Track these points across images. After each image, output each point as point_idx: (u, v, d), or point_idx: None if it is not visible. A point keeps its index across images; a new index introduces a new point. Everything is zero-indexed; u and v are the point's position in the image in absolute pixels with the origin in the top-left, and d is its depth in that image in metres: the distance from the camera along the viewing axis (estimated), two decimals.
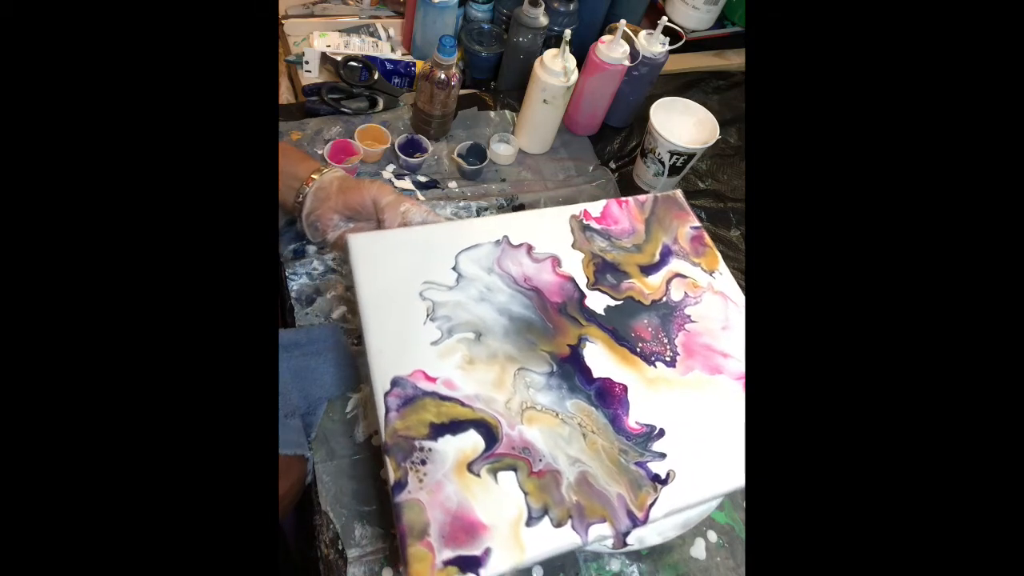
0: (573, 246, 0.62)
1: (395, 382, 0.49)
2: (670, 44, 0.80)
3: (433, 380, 0.50)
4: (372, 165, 0.75)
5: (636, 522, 0.46)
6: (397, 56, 0.86)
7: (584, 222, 0.64)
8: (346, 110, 0.79)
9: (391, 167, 0.76)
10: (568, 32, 0.71)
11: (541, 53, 0.75)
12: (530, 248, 0.60)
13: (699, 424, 0.52)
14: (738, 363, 0.56)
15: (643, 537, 0.49)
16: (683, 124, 0.80)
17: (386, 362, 0.50)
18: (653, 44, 0.80)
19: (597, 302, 0.58)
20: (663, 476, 0.48)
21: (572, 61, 0.74)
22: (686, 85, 0.98)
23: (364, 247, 0.55)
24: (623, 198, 0.67)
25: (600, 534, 0.45)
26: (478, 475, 0.46)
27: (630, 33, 0.77)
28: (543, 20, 0.80)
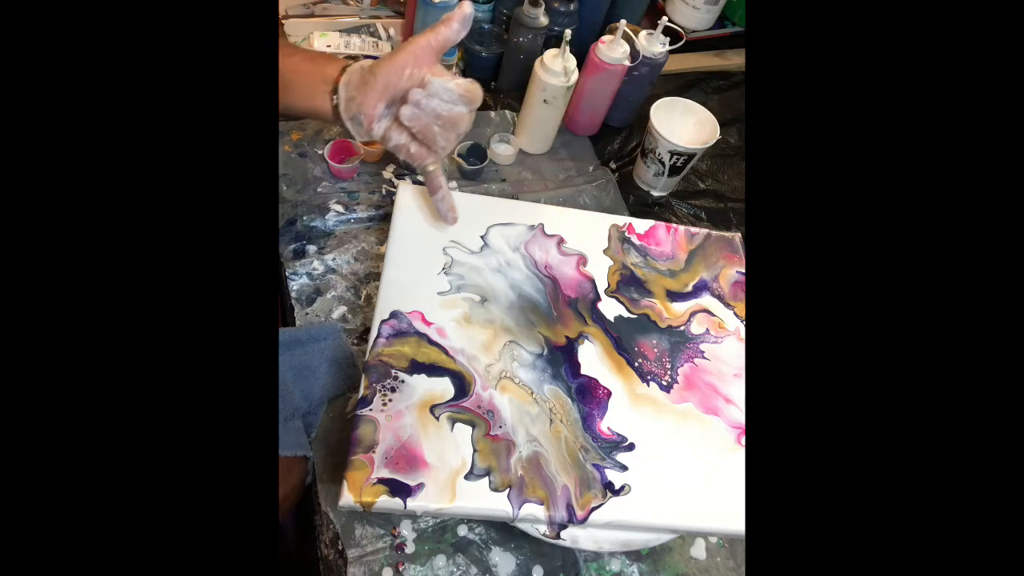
0: (605, 252, 0.62)
1: (394, 314, 0.53)
2: (670, 44, 0.80)
3: (429, 324, 0.53)
4: (372, 165, 0.75)
5: (573, 518, 0.46)
6: None
7: (625, 234, 0.64)
8: None
9: (391, 167, 0.76)
10: (568, 32, 0.71)
11: (541, 53, 0.75)
12: (562, 241, 0.61)
13: (674, 453, 0.51)
14: (739, 412, 0.55)
15: (577, 538, 0.48)
16: (683, 124, 0.80)
17: (393, 294, 0.54)
18: (653, 44, 0.80)
19: (610, 308, 0.58)
20: (617, 486, 0.48)
21: (572, 61, 0.74)
22: (686, 85, 0.98)
23: (409, 196, 0.61)
24: (674, 224, 0.66)
25: (533, 514, 0.46)
26: (437, 419, 0.48)
27: (630, 33, 0.77)
28: (543, 20, 0.80)
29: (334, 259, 0.66)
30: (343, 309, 0.63)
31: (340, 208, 0.70)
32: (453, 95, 0.48)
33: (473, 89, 0.49)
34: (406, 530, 0.52)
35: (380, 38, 0.89)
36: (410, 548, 0.52)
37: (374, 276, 0.65)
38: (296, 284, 0.64)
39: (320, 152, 0.74)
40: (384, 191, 0.73)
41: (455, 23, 0.48)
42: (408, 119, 0.49)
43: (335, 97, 0.51)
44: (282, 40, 0.57)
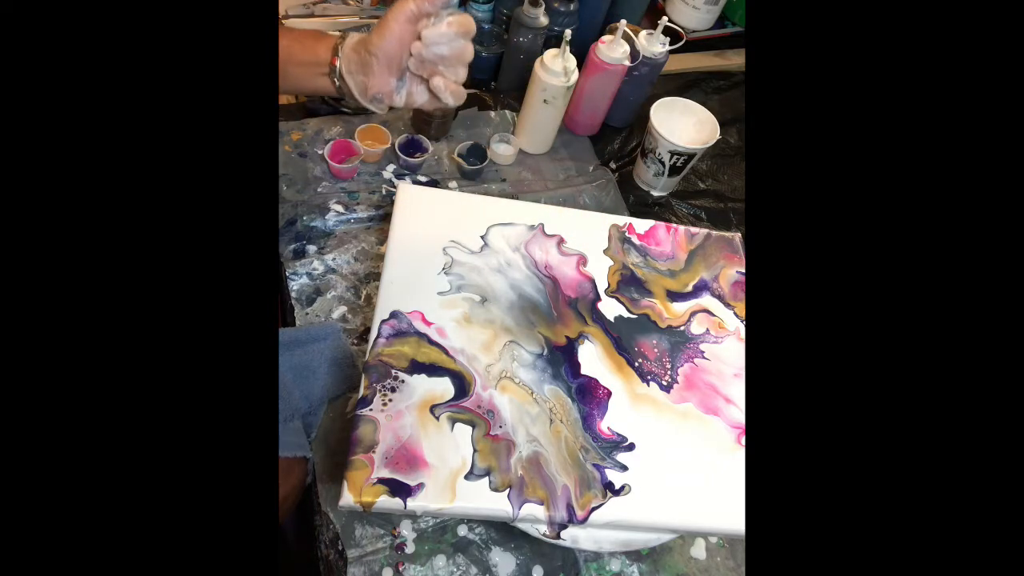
0: (605, 252, 0.62)
1: (394, 314, 0.53)
2: (670, 44, 0.80)
3: (429, 324, 0.53)
4: (372, 165, 0.75)
5: (573, 518, 0.46)
6: None
7: (625, 234, 0.64)
8: (346, 110, 0.79)
9: (391, 167, 0.76)
10: (568, 32, 0.71)
11: (541, 53, 0.75)
12: (562, 241, 0.61)
13: (674, 453, 0.51)
14: (739, 412, 0.55)
15: (577, 538, 0.48)
16: (683, 124, 0.80)
17: (393, 294, 0.54)
18: (653, 44, 0.80)
19: (610, 309, 0.58)
20: (617, 486, 0.48)
21: (572, 61, 0.74)
22: (686, 85, 0.98)
23: (409, 196, 0.62)
24: (674, 224, 0.66)
25: (533, 514, 0.46)
26: (437, 418, 0.48)
27: (630, 33, 0.77)
28: (543, 20, 0.80)
29: (334, 259, 0.66)
30: (343, 309, 0.63)
31: (340, 208, 0.70)
32: (450, 35, 0.49)
33: (466, 22, 0.50)
34: (406, 530, 0.52)
35: None
36: (410, 548, 0.52)
37: (374, 276, 0.65)
38: (296, 284, 0.64)
39: (320, 152, 0.74)
40: (384, 191, 0.73)
41: None
42: (416, 68, 0.51)
43: (337, 80, 0.52)
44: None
